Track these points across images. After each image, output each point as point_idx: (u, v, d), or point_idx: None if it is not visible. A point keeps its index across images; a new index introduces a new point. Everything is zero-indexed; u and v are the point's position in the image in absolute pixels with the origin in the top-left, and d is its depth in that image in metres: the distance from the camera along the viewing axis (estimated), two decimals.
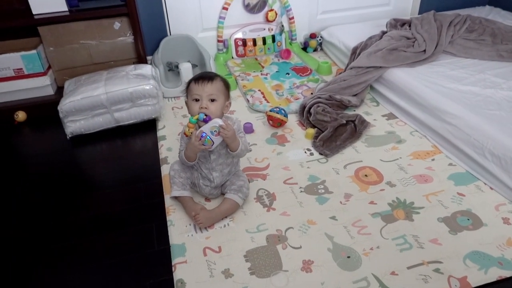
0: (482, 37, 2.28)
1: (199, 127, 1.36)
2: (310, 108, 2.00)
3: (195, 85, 1.37)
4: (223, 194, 1.51)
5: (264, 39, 2.75)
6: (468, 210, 1.43)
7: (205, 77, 1.38)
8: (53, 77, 2.32)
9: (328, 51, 2.82)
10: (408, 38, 2.27)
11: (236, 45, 2.73)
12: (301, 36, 2.91)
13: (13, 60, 2.14)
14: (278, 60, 2.72)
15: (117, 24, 2.32)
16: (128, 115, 2.02)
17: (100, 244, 1.40)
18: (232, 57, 2.76)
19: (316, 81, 2.41)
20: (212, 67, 2.39)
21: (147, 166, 1.79)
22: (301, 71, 2.54)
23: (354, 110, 2.10)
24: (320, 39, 2.86)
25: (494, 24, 2.40)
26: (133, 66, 2.22)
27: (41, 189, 1.70)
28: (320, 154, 1.78)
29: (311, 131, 1.89)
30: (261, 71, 2.57)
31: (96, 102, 1.93)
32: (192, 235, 1.39)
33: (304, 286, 1.19)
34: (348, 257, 1.27)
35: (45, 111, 2.15)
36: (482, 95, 1.80)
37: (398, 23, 2.46)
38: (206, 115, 1.33)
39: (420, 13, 2.97)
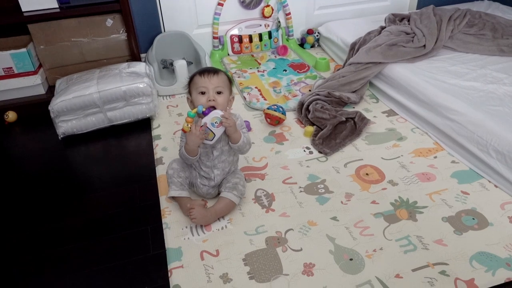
0: (482, 32, 2.24)
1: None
2: (308, 105, 1.95)
3: (200, 78, 1.34)
4: (220, 193, 1.46)
5: (260, 36, 2.70)
6: (473, 209, 1.39)
7: (210, 70, 1.37)
8: (44, 76, 2.27)
9: (325, 47, 2.77)
10: (407, 33, 2.23)
11: (232, 42, 2.68)
12: (298, 32, 2.86)
13: (3, 59, 2.08)
14: (275, 56, 2.67)
15: (109, 21, 2.26)
16: (122, 114, 1.97)
17: (93, 249, 1.35)
18: (228, 54, 2.71)
19: (314, 77, 2.36)
20: (207, 64, 2.33)
21: (142, 167, 1.74)
22: (299, 67, 2.49)
23: (354, 107, 2.06)
24: (317, 35, 2.81)
25: (494, 19, 2.36)
26: (126, 64, 2.16)
27: (32, 191, 1.64)
28: (320, 152, 1.73)
29: (310, 129, 1.84)
30: (257, 68, 2.52)
31: (88, 101, 1.87)
32: (188, 238, 1.34)
33: None
34: (351, 259, 1.23)
35: (36, 111, 2.09)
36: (484, 91, 1.75)
37: (397, 18, 2.42)
38: (205, 108, 1.29)
39: (418, 8, 2.92)
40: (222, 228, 1.37)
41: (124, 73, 2.01)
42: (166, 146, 1.82)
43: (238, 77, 2.41)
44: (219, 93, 1.34)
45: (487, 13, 2.46)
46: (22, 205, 1.57)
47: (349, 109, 2.01)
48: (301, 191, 1.52)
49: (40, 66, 2.24)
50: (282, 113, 1.90)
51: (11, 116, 2.11)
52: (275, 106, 1.92)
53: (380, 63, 2.07)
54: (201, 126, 1.29)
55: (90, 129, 1.95)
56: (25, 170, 1.80)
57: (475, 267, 1.18)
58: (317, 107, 1.90)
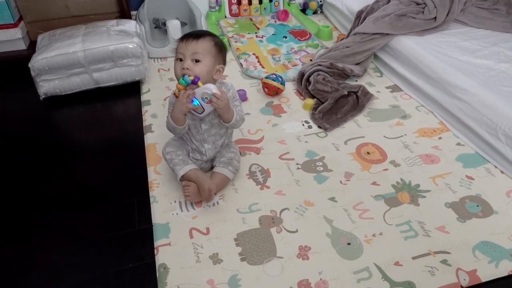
0: (497, 6, 2.11)
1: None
2: (309, 76, 1.84)
3: (180, 43, 1.21)
4: (213, 167, 1.37)
5: None
6: (478, 196, 1.32)
7: (191, 34, 1.21)
8: (25, 29, 2.11)
9: (329, 15, 2.62)
10: (417, 4, 2.09)
11: (230, 3, 2.52)
12: None
13: None
14: (275, 21, 2.51)
15: None
16: (109, 76, 1.84)
17: (76, 221, 1.26)
18: (225, 16, 2.55)
19: (315, 46, 2.23)
20: (203, 26, 2.18)
21: (129, 134, 1.64)
22: (300, 35, 2.35)
23: (356, 80, 1.95)
24: (321, 1, 2.66)
25: None
26: (115, 21, 2.01)
27: (11, 156, 1.53)
28: (319, 127, 1.64)
29: (310, 101, 1.74)
30: (256, 33, 2.37)
31: (72, 60, 1.74)
32: (177, 213, 1.25)
33: (300, 275, 1.08)
34: (349, 243, 1.16)
35: (16, 68, 1.95)
36: (496, 70, 1.66)
37: None
38: (193, 76, 1.16)
39: None
40: (214, 205, 1.29)
41: (112, 31, 1.86)
42: (156, 113, 1.71)
43: (235, 41, 2.27)
44: (197, 61, 1.19)
45: None
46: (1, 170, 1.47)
47: (351, 82, 1.90)
48: (298, 168, 1.44)
49: (21, 18, 2.08)
50: (281, 83, 1.79)
51: None
52: (274, 76, 1.80)
53: (387, 34, 1.95)
54: (189, 95, 1.17)
55: (74, 90, 1.82)
56: (3, 132, 1.68)
57: (478, 257, 1.12)
58: (318, 78, 1.79)
